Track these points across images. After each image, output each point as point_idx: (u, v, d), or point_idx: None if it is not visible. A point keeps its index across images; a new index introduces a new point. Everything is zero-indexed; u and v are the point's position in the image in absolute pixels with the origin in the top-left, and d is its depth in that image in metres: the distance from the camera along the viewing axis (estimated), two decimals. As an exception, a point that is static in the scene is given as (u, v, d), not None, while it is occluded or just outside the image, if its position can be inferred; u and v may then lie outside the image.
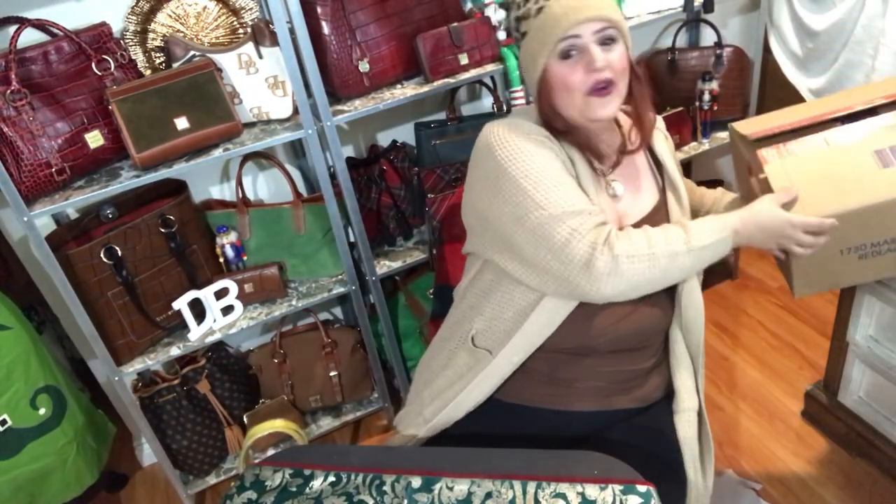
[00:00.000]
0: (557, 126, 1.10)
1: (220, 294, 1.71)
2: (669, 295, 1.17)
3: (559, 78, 1.04)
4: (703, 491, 1.16)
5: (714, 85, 2.04)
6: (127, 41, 1.56)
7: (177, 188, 1.73)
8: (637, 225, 1.13)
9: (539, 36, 1.04)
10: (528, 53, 1.07)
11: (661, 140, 1.23)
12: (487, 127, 1.10)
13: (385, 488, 1.01)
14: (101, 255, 1.55)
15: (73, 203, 1.43)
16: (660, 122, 1.24)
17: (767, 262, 2.53)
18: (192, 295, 1.66)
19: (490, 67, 1.70)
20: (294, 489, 1.04)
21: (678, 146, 2.11)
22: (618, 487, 0.93)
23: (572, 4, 1.01)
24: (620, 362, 1.16)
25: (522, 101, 1.71)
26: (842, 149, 1.03)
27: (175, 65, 1.52)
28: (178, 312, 1.67)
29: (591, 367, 1.15)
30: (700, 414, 1.19)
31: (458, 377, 1.19)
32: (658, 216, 1.17)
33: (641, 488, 0.94)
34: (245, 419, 1.94)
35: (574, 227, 1.01)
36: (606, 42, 1.03)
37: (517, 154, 1.05)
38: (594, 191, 1.10)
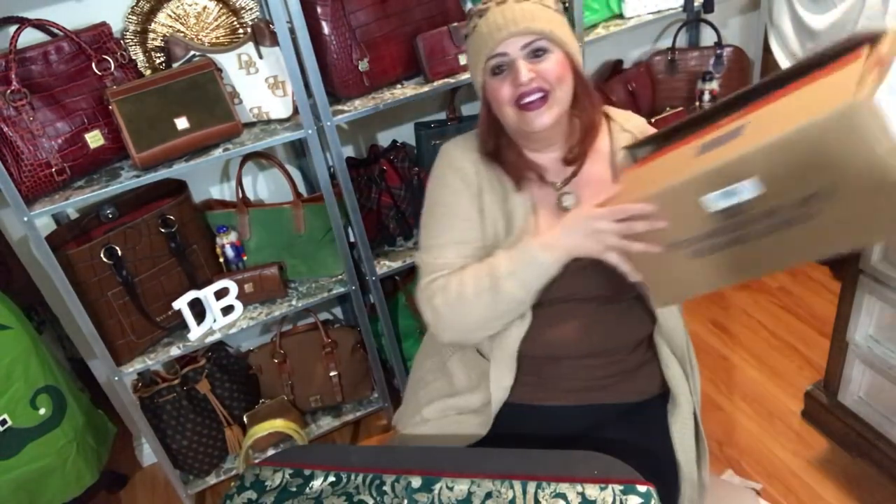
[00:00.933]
0: (488, 147, 1.15)
1: (220, 294, 1.71)
2: (645, 306, 1.17)
3: (492, 94, 1.08)
4: (698, 491, 1.16)
5: (714, 85, 2.04)
6: (127, 41, 1.56)
7: (177, 188, 1.73)
8: None
9: (473, 55, 1.09)
10: (470, 69, 1.13)
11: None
12: (445, 143, 1.20)
13: (385, 488, 1.01)
14: (101, 255, 1.55)
15: (73, 203, 1.43)
16: (633, 124, 1.19)
17: (767, 262, 2.53)
18: (192, 295, 1.66)
19: (490, 67, 1.70)
20: (294, 489, 1.04)
21: (678, 146, 2.11)
22: (618, 487, 0.93)
23: (497, 22, 1.02)
24: (601, 364, 1.16)
25: None
26: (680, 150, 0.94)
27: (175, 65, 1.52)
28: (178, 312, 1.67)
29: (572, 368, 1.16)
30: (694, 415, 1.19)
31: (454, 391, 1.22)
32: None
33: (641, 488, 0.94)
34: (245, 419, 1.94)
35: (422, 282, 1.15)
36: (538, 54, 1.04)
37: (434, 179, 1.19)
38: (523, 212, 1.12)
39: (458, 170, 1.17)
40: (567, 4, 1.70)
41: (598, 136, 1.15)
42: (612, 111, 1.20)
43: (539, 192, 1.15)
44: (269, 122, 1.64)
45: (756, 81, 1.08)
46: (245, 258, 1.81)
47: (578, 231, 1.00)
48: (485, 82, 1.08)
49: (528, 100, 1.04)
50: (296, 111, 1.60)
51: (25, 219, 1.39)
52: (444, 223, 1.16)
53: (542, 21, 1.02)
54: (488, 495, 0.96)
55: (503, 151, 1.15)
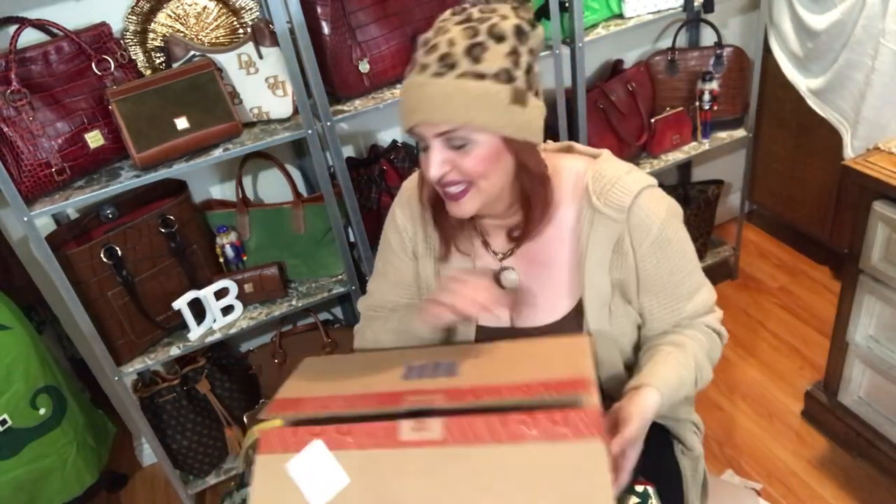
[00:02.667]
0: (430, 200, 1.03)
1: (220, 294, 1.71)
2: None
3: (420, 162, 0.95)
4: (700, 488, 1.16)
5: (714, 85, 2.04)
6: (127, 41, 1.56)
7: (177, 188, 1.73)
8: (542, 331, 1.02)
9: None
10: None
11: (605, 232, 0.97)
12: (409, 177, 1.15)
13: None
14: (101, 255, 1.55)
15: (73, 203, 1.43)
16: (613, 201, 0.96)
17: (767, 263, 2.53)
18: (192, 295, 1.66)
19: (490, 67, 1.70)
20: (294, 489, 1.04)
21: (678, 146, 2.11)
22: (616, 488, 0.93)
23: (410, 101, 0.88)
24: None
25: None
26: None
27: (175, 65, 1.52)
28: (178, 312, 1.67)
29: None
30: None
31: None
32: (566, 328, 1.02)
33: (639, 488, 0.94)
34: (245, 419, 1.94)
35: (360, 303, 1.20)
36: (457, 144, 0.88)
37: (389, 213, 1.15)
38: (432, 273, 1.08)
39: (402, 205, 1.11)
40: (567, 4, 1.70)
41: (559, 209, 1.01)
42: (594, 174, 0.99)
43: (479, 259, 1.07)
44: (269, 122, 1.64)
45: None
46: (245, 258, 1.81)
47: None
48: None
49: (447, 190, 0.92)
50: (296, 111, 1.60)
51: (25, 219, 1.39)
52: (385, 262, 1.16)
53: (458, 109, 0.84)
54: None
55: (439, 211, 1.02)
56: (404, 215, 1.11)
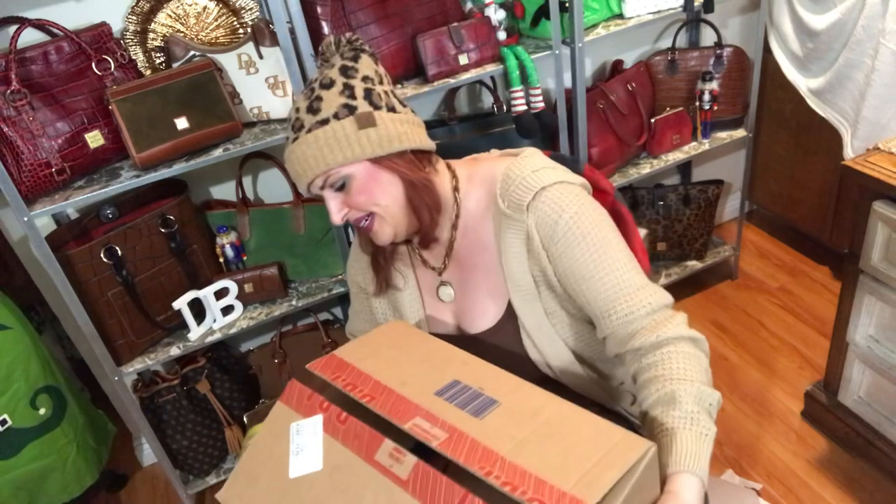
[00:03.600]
0: (359, 242, 1.17)
1: (220, 294, 1.71)
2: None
3: None
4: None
5: (714, 85, 2.04)
6: (127, 41, 1.56)
7: (177, 188, 1.73)
8: (484, 335, 1.07)
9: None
10: None
11: (513, 232, 0.99)
12: None
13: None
14: (101, 255, 1.55)
15: (73, 203, 1.43)
16: (513, 191, 0.98)
17: (767, 263, 2.53)
18: (192, 295, 1.66)
19: (490, 67, 1.70)
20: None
21: (678, 146, 2.11)
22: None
23: (293, 170, 0.99)
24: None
25: (522, 101, 1.71)
26: None
27: (175, 65, 1.52)
28: (178, 312, 1.67)
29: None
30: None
31: None
32: (504, 330, 1.05)
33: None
34: (245, 419, 1.94)
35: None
36: (338, 186, 0.99)
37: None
38: (412, 308, 1.13)
39: (354, 281, 1.23)
40: (567, 4, 1.70)
41: (476, 213, 1.05)
42: (503, 176, 1.00)
43: (422, 276, 1.14)
44: (269, 122, 1.64)
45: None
46: (245, 258, 1.81)
47: None
48: None
49: (358, 227, 1.03)
50: (296, 111, 1.60)
51: (25, 219, 1.39)
52: (354, 299, 1.27)
53: (317, 159, 0.95)
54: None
55: (368, 243, 1.12)
56: (354, 269, 1.22)
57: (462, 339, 1.09)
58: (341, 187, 0.98)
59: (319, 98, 0.96)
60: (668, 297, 0.96)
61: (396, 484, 0.75)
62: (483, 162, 1.08)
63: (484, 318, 1.07)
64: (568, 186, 0.98)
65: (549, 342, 1.03)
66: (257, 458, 0.88)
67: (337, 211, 0.99)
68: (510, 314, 1.04)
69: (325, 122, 0.95)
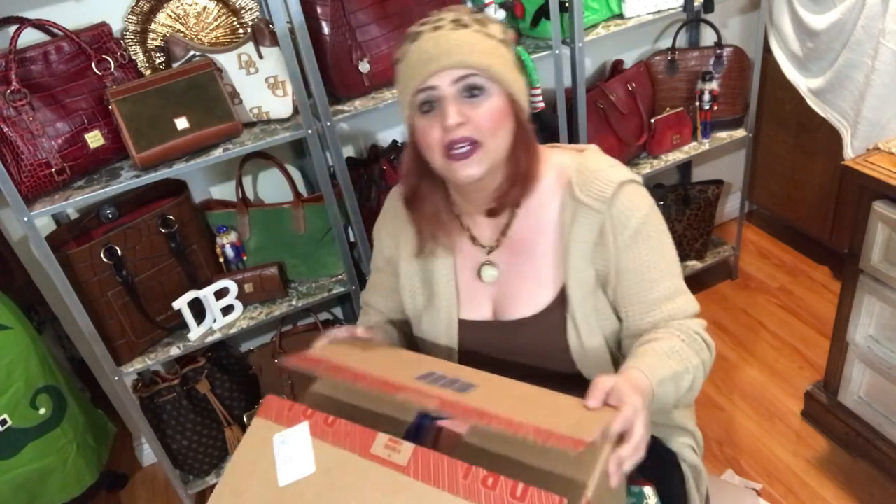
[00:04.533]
0: (409, 192, 1.05)
1: (220, 294, 1.71)
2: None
3: (420, 133, 0.95)
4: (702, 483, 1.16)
5: (714, 85, 2.04)
6: (127, 41, 1.56)
7: (177, 188, 1.73)
8: (525, 322, 1.03)
9: (401, 87, 0.96)
10: (399, 102, 0.99)
11: (587, 222, 0.98)
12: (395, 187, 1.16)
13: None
14: (101, 255, 1.55)
15: (73, 203, 1.43)
16: (595, 190, 0.97)
17: (767, 263, 2.53)
18: (192, 295, 1.66)
19: (490, 67, 1.70)
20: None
21: (678, 146, 2.11)
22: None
23: (428, 51, 0.90)
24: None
25: (541, 100, 1.67)
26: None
27: (175, 65, 1.52)
28: (178, 312, 1.67)
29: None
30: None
31: None
32: (549, 319, 1.03)
33: (635, 489, 0.94)
34: (245, 419, 1.94)
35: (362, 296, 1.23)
36: (473, 93, 0.90)
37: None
38: (444, 281, 1.07)
39: (380, 246, 1.18)
40: (567, 4, 1.70)
41: (542, 198, 1.02)
42: (578, 167, 1.00)
43: (464, 254, 1.08)
44: (269, 122, 1.64)
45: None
46: (245, 258, 1.81)
47: None
48: (412, 119, 0.95)
49: (455, 150, 0.91)
50: (296, 111, 1.60)
51: (25, 219, 1.39)
52: (375, 268, 1.22)
53: (480, 54, 0.89)
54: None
55: (425, 200, 1.04)
56: (386, 222, 1.16)
57: (494, 327, 1.06)
58: (473, 95, 0.91)
59: (486, 21, 0.93)
60: (697, 305, 1.02)
61: (397, 471, 0.76)
62: (545, 150, 1.06)
63: (529, 305, 1.04)
64: (641, 187, 1.00)
65: (592, 336, 1.02)
66: (240, 473, 0.86)
67: (456, 115, 0.89)
68: (559, 303, 1.02)
69: (492, 37, 0.92)
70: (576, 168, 1.00)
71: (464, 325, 1.08)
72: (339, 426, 0.83)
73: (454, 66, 0.89)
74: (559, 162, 1.03)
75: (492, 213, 1.02)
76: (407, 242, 1.11)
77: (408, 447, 0.77)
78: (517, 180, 0.98)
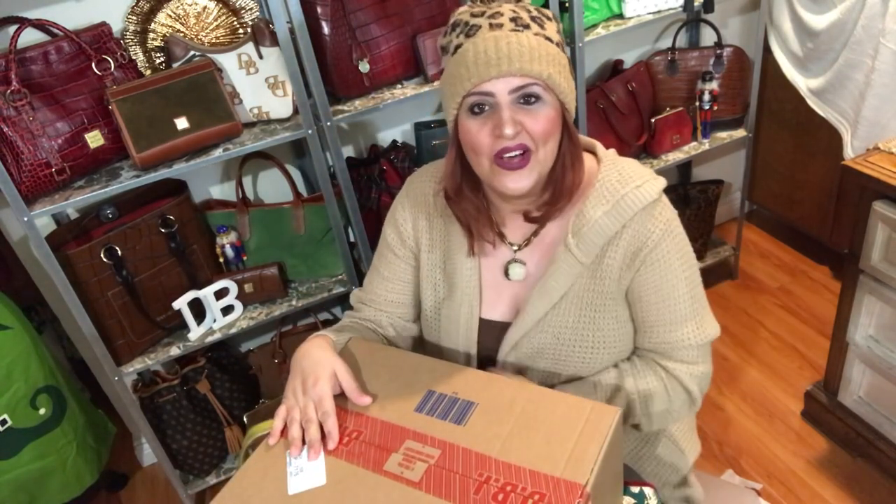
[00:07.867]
0: (450, 191, 1.00)
1: (220, 294, 1.71)
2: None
3: (467, 135, 0.90)
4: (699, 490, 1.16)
5: (714, 85, 2.04)
6: (127, 41, 1.56)
7: (177, 188, 1.73)
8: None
9: (450, 81, 0.90)
10: (443, 93, 0.94)
11: (621, 235, 0.96)
12: (414, 173, 1.13)
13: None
14: (101, 255, 1.55)
15: (73, 203, 1.43)
16: (600, 212, 0.94)
17: (767, 263, 2.53)
18: (192, 295, 1.66)
19: (490, 67, 1.70)
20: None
21: (678, 146, 2.11)
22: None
23: (487, 53, 0.84)
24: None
25: None
26: None
27: (175, 65, 1.52)
28: (178, 312, 1.67)
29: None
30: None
31: None
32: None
33: (634, 489, 0.94)
34: (245, 419, 1.94)
35: (353, 294, 1.18)
36: (528, 101, 0.87)
37: (391, 208, 1.13)
38: (468, 275, 1.03)
39: (396, 224, 1.10)
40: (567, 4, 1.70)
41: (574, 199, 0.99)
42: (606, 174, 0.98)
43: (491, 251, 1.04)
44: (269, 122, 1.64)
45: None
46: (245, 258, 1.81)
47: None
48: (458, 116, 0.91)
49: (508, 156, 0.88)
50: (296, 111, 1.60)
51: (25, 219, 1.39)
52: (380, 257, 1.14)
53: (542, 62, 0.85)
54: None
55: (468, 200, 1.00)
56: (406, 210, 1.10)
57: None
58: (529, 102, 0.87)
59: (543, 20, 0.88)
60: (706, 333, 0.99)
61: (410, 487, 0.77)
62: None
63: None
64: (661, 203, 0.97)
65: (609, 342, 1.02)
66: (248, 480, 0.85)
67: (512, 122, 0.85)
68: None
69: (550, 40, 0.87)
70: (616, 174, 0.98)
71: (483, 323, 1.05)
72: (354, 446, 0.84)
73: (515, 73, 0.84)
74: (588, 167, 1.01)
75: (532, 219, 0.99)
76: (427, 231, 1.07)
77: (421, 465, 0.78)
78: (564, 190, 0.95)
